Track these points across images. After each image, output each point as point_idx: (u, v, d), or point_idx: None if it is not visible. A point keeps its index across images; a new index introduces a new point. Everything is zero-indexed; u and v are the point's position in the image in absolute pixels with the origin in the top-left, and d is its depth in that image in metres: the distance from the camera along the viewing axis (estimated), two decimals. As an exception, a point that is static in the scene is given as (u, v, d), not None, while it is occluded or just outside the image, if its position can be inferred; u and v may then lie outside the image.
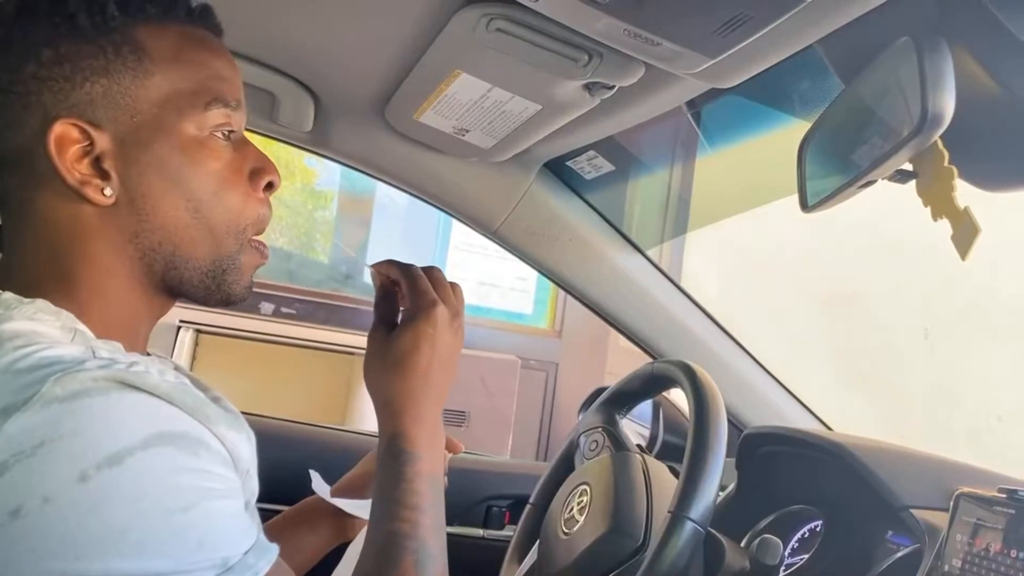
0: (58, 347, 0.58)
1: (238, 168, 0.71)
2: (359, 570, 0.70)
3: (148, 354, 0.73)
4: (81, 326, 0.63)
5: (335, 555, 1.00)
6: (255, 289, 0.76)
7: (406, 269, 0.81)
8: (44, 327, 0.60)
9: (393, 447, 0.74)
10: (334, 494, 1.01)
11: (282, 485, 1.10)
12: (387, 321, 0.81)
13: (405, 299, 0.80)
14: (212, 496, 0.57)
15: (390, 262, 0.83)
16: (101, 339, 0.63)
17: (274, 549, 0.61)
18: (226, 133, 0.70)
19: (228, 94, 0.70)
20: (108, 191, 0.65)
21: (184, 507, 0.55)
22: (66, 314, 0.63)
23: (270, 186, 0.74)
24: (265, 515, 0.88)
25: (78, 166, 0.65)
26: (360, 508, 0.98)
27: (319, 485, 1.01)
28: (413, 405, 0.76)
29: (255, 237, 0.74)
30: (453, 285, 0.82)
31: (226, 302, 0.73)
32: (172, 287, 0.71)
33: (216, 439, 0.60)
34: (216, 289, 0.72)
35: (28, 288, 0.64)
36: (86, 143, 0.65)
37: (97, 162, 0.65)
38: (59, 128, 0.64)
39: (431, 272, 0.81)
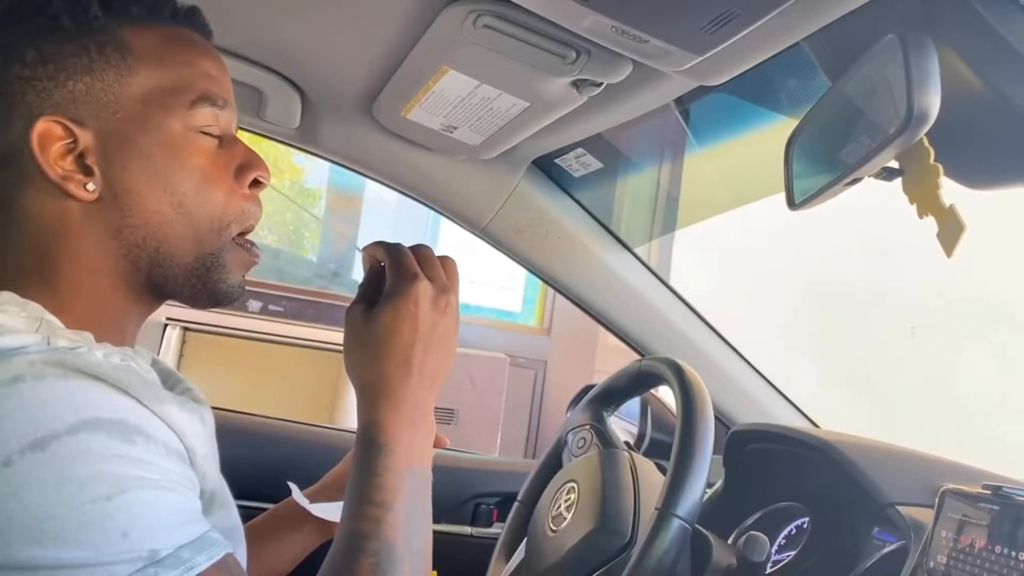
0: (7, 336, 0.57)
1: (224, 164, 0.71)
2: (321, 572, 0.66)
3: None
4: (49, 316, 0.62)
5: (322, 553, 1.00)
6: (242, 287, 0.75)
7: (392, 247, 0.76)
8: (5, 318, 0.59)
9: (365, 437, 0.69)
10: (315, 492, 1.00)
11: (267, 483, 1.10)
12: (368, 300, 0.74)
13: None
14: (143, 485, 0.55)
15: (378, 243, 0.78)
16: (72, 330, 0.62)
17: (223, 546, 0.58)
18: (212, 131, 0.70)
19: (216, 93, 0.70)
20: (91, 186, 0.66)
21: (107, 495, 0.53)
22: (33, 305, 0.63)
23: (258, 183, 0.73)
24: (250, 513, 0.88)
25: (61, 162, 0.65)
26: (336, 512, 0.93)
27: (298, 496, 1.00)
28: (389, 391, 0.70)
29: (244, 236, 0.73)
30: (444, 260, 0.76)
31: (214, 302, 0.72)
32: (159, 286, 0.70)
33: (163, 425, 0.58)
34: (202, 287, 0.71)
35: (11, 283, 0.64)
36: (69, 140, 0.65)
37: (80, 158, 0.66)
38: (42, 125, 0.64)
39: (419, 249, 0.76)
